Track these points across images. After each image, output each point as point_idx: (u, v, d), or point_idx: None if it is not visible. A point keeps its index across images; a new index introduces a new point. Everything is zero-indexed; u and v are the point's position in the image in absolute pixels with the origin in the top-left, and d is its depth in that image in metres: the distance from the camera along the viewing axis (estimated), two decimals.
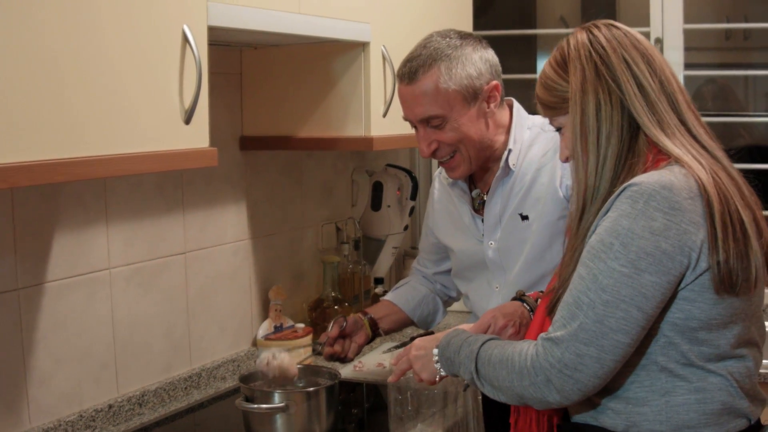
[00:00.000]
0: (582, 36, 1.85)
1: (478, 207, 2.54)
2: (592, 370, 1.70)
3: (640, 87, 1.79)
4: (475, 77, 2.36)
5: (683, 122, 1.81)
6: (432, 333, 2.23)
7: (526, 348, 1.78)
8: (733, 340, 1.77)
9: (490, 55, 2.43)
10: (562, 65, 1.85)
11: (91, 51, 1.85)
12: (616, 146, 1.78)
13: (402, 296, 2.80)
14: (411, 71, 2.36)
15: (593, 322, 1.69)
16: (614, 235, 1.70)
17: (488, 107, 2.40)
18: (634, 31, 1.87)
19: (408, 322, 2.81)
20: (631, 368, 1.78)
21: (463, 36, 2.41)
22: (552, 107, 1.89)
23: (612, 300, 1.68)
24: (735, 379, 1.78)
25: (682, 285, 1.72)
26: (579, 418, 1.88)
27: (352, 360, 2.66)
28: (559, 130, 1.92)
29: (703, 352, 1.75)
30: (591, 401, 1.83)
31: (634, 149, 1.78)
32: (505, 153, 2.44)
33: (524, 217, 2.44)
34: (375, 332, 2.70)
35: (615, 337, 1.69)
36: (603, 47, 1.81)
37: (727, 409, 1.78)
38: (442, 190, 2.66)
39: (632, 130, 1.79)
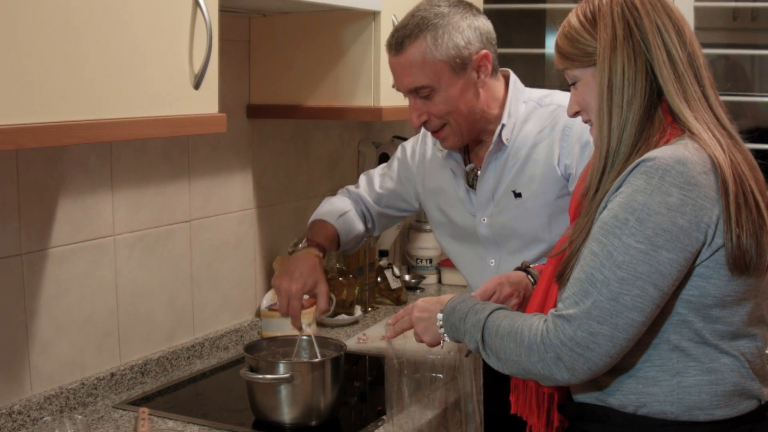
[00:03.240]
0: None
1: (472, 182, 2.49)
2: (604, 349, 1.67)
3: (669, 56, 1.74)
4: (463, 46, 2.29)
5: (706, 98, 1.77)
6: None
7: (537, 322, 1.75)
8: (746, 317, 1.75)
9: (481, 22, 2.34)
10: (590, 19, 1.80)
11: (101, 13, 1.81)
12: (638, 111, 1.74)
13: (345, 228, 2.66)
14: (397, 42, 2.30)
15: (607, 300, 1.66)
16: (629, 210, 1.66)
17: (478, 77, 2.33)
18: None
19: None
20: (641, 347, 1.75)
21: (452, 4, 2.33)
22: (570, 58, 1.83)
23: (628, 277, 1.65)
24: (747, 360, 1.76)
25: (697, 261, 1.69)
26: (583, 397, 1.86)
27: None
28: (573, 84, 1.87)
29: (717, 329, 1.73)
30: (597, 380, 1.79)
31: (652, 118, 1.75)
32: (499, 127, 2.38)
33: (517, 195, 2.39)
34: None
35: (629, 315, 1.66)
36: (636, 8, 1.76)
37: (739, 390, 1.75)
38: (435, 155, 2.58)
39: (653, 97, 1.75)
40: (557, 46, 1.86)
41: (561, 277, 1.79)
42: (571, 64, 1.83)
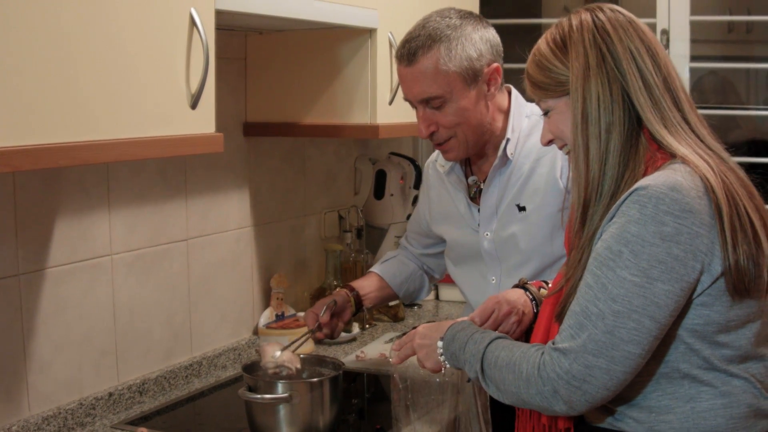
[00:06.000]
0: (586, 17, 1.76)
1: (475, 195, 2.49)
2: (601, 382, 1.65)
3: (645, 82, 1.71)
4: (476, 59, 2.30)
5: (687, 121, 1.74)
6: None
7: (534, 355, 1.73)
8: (753, 338, 1.71)
9: (491, 34, 2.36)
10: (560, 46, 1.76)
11: (97, 34, 1.81)
12: (618, 140, 1.70)
13: (389, 270, 2.77)
14: (410, 52, 2.30)
15: (603, 333, 1.63)
16: (623, 242, 1.63)
17: (488, 90, 2.35)
18: (639, 21, 1.78)
19: (393, 297, 2.80)
20: (651, 377, 1.72)
21: (463, 15, 2.35)
22: (543, 88, 1.80)
23: (623, 310, 1.62)
24: (758, 381, 1.72)
25: (698, 290, 1.66)
26: (597, 423, 1.82)
27: (336, 338, 2.68)
28: (546, 113, 1.84)
29: (725, 354, 1.70)
30: (610, 409, 1.77)
31: (636, 145, 1.72)
32: (503, 142, 2.39)
33: (521, 208, 2.40)
34: (359, 308, 2.68)
35: (626, 348, 1.63)
36: (608, 34, 1.73)
37: (753, 411, 1.72)
38: (436, 177, 2.61)
39: (633, 124, 1.71)
40: (528, 75, 1.82)
41: (560, 315, 1.76)
42: (544, 94, 1.80)
